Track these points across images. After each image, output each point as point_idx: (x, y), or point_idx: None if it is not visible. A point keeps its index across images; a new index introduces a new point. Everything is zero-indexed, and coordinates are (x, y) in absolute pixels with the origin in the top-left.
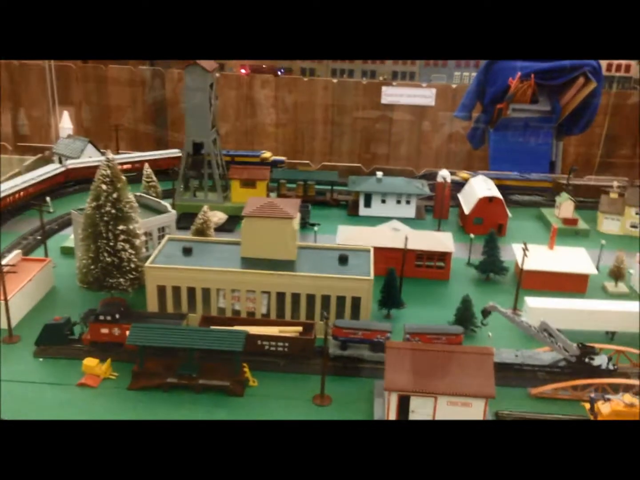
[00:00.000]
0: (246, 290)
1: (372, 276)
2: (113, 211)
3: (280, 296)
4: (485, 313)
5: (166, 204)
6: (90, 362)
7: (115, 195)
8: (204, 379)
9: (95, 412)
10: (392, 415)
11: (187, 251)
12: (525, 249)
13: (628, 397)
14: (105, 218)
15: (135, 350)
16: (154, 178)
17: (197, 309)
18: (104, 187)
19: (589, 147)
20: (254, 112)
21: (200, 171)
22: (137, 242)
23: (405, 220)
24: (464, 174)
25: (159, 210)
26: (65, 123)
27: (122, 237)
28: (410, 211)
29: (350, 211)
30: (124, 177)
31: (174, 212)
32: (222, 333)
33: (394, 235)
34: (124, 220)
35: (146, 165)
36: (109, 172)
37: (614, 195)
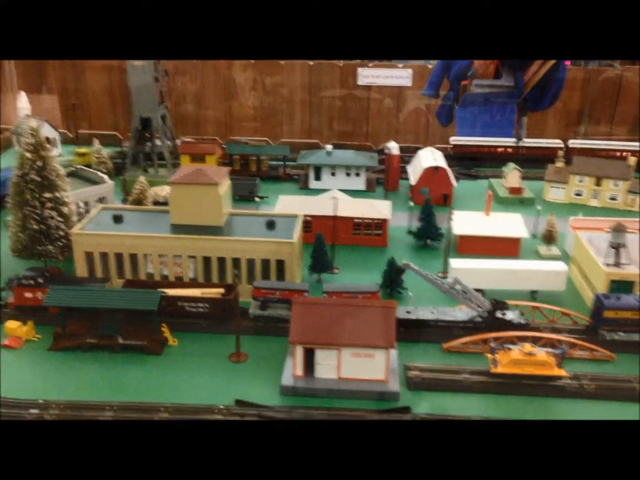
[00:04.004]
0: (173, 255)
1: (295, 239)
2: (38, 179)
3: (207, 260)
4: (400, 271)
5: (104, 175)
6: (12, 324)
7: (39, 163)
8: (124, 339)
9: (16, 371)
10: (299, 369)
11: (117, 219)
12: (450, 215)
13: (527, 347)
14: (30, 186)
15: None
16: (104, 154)
17: (125, 275)
18: (28, 155)
19: (566, 124)
20: (232, 95)
21: (146, 146)
22: (65, 210)
23: (355, 193)
24: None
25: (97, 182)
26: (23, 104)
27: (48, 204)
28: (360, 183)
29: (302, 185)
30: (48, 146)
31: (111, 182)
32: (137, 293)
33: (331, 203)
34: (49, 188)
35: (96, 141)
36: (32, 140)
37: (559, 164)
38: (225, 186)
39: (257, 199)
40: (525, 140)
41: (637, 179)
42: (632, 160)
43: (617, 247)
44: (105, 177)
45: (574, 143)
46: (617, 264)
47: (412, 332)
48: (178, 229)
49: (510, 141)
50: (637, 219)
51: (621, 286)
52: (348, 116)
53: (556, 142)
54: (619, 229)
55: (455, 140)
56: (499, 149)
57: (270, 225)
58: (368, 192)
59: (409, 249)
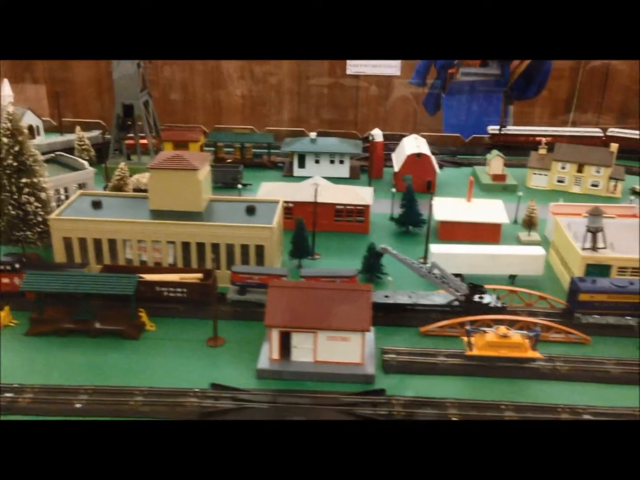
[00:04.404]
0: (152, 241)
1: (274, 224)
2: (15, 164)
3: (186, 246)
4: (378, 255)
5: (84, 162)
6: None
7: (17, 148)
8: (101, 324)
9: None
10: (275, 352)
11: (96, 205)
12: (431, 202)
13: (502, 329)
14: (8, 171)
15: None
16: (87, 141)
17: (104, 261)
18: (4, 140)
19: (554, 112)
20: (221, 84)
21: (129, 133)
22: (43, 195)
23: (339, 180)
24: None
25: (77, 169)
26: (6, 91)
27: (26, 190)
28: (344, 171)
29: (286, 172)
30: (26, 131)
31: (91, 169)
32: (114, 278)
33: (313, 190)
34: (27, 173)
35: (78, 128)
36: (9, 125)
37: (542, 151)
38: (205, 171)
39: (239, 186)
40: (564, 129)
41: (618, 165)
42: (614, 147)
43: (594, 231)
44: (86, 163)
45: (612, 132)
46: (594, 248)
47: (390, 316)
48: (157, 214)
49: (550, 130)
50: (616, 205)
51: (598, 270)
52: (337, 104)
53: (595, 131)
54: (595, 214)
55: (493, 129)
56: (539, 138)
57: (250, 210)
58: (352, 179)
59: (391, 236)
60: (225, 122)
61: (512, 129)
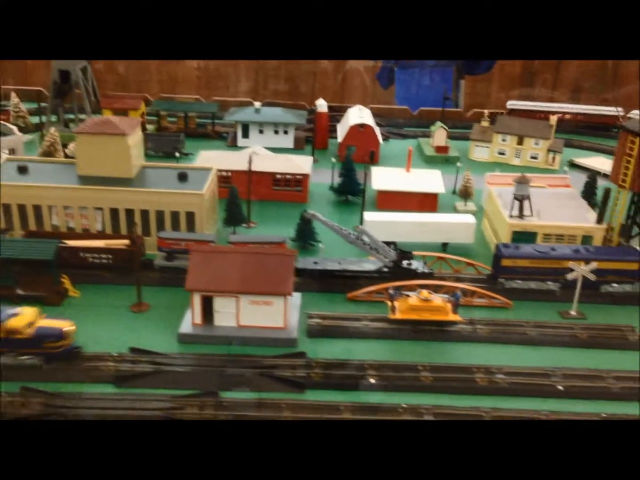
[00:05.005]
0: (79, 207)
1: (205, 191)
2: None
3: (114, 212)
4: (305, 220)
5: (12, 127)
6: None
7: None
8: (23, 290)
9: None
10: (198, 317)
11: (22, 170)
12: (366, 171)
13: (424, 293)
14: None
15: None
16: (22, 108)
17: (30, 227)
18: None
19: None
20: None
21: (65, 100)
22: None
23: (283, 151)
24: None
25: (5, 134)
26: None
27: None
28: (288, 141)
29: (230, 142)
30: None
31: (20, 135)
32: (33, 243)
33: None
34: None
35: (13, 94)
36: None
37: (484, 123)
38: (136, 137)
39: (177, 154)
40: (580, 106)
41: (557, 138)
42: (553, 119)
43: (520, 199)
44: (15, 128)
45: (634, 114)
46: (521, 216)
47: (319, 282)
48: (86, 180)
49: (567, 107)
50: (549, 175)
51: (524, 237)
52: (294, 77)
53: (612, 110)
54: (522, 182)
55: (512, 104)
56: (556, 115)
57: (182, 177)
58: (296, 150)
59: (330, 205)
60: (180, 93)
61: (527, 105)
